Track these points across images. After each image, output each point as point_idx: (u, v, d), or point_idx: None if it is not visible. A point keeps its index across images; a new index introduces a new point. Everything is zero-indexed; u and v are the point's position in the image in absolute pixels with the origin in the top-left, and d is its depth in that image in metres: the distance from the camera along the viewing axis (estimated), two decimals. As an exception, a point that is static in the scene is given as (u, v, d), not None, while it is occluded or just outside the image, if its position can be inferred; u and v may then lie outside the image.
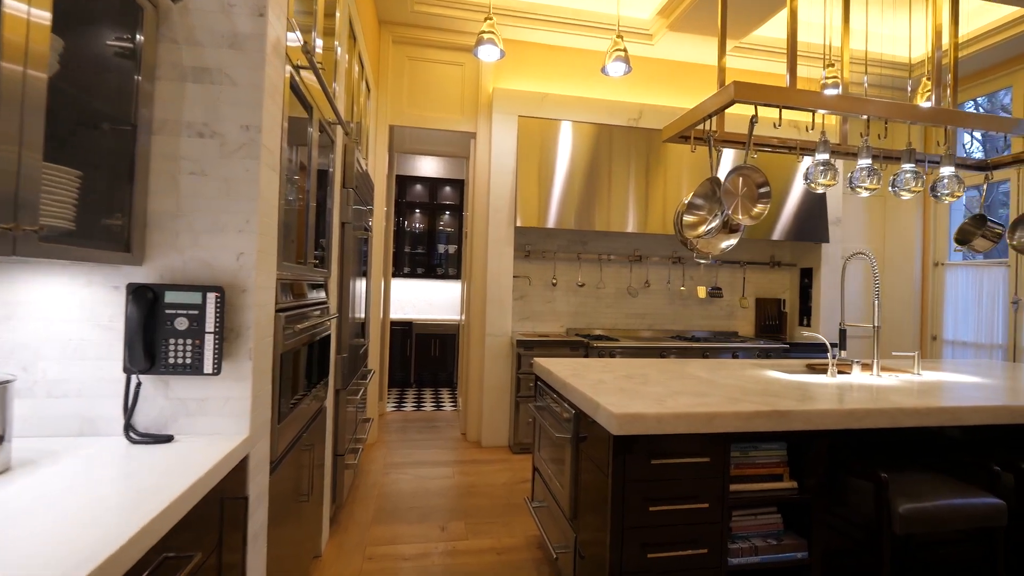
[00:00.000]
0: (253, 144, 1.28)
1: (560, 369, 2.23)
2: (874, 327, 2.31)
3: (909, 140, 2.38)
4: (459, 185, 6.54)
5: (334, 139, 2.28)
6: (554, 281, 4.26)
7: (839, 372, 2.40)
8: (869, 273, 5.05)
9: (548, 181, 3.97)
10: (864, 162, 2.29)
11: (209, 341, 1.17)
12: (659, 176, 4.14)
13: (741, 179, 2.08)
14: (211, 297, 1.18)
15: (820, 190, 2.21)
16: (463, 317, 4.62)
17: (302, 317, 1.76)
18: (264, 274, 1.35)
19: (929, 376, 2.33)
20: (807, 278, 4.64)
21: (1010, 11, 3.71)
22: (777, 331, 4.71)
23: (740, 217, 2.05)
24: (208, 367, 1.17)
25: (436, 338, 6.14)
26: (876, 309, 2.30)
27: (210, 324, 1.17)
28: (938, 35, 2.38)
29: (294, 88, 1.63)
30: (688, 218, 2.24)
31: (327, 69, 2.23)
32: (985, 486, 1.74)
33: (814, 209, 4.38)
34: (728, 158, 4.28)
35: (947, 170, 2.41)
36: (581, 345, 3.84)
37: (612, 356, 3.81)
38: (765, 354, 4.09)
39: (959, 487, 1.67)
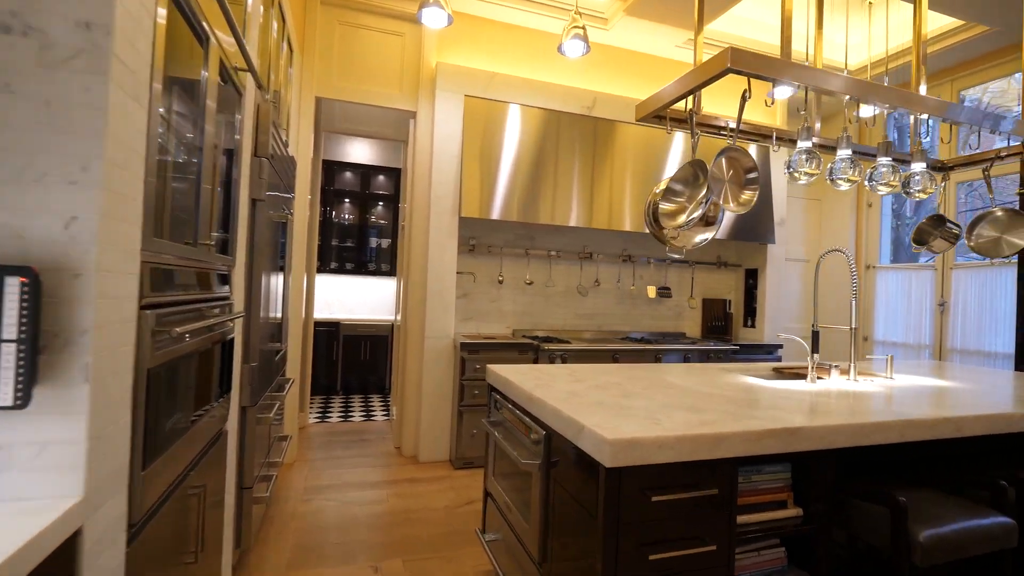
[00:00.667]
0: (97, 52, 0.84)
1: (521, 378, 1.90)
2: (851, 328, 2.17)
3: (885, 133, 2.27)
4: (394, 174, 6.05)
5: (243, 91, 1.81)
6: (500, 278, 3.93)
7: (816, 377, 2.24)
8: (810, 277, 5.13)
9: (494, 168, 3.63)
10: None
11: (5, 355, 0.73)
12: (607, 170, 3.91)
13: (726, 162, 1.84)
14: (9, 284, 0.73)
15: (803, 180, 2.03)
16: (398, 317, 4.17)
17: (190, 316, 1.31)
18: (116, 252, 0.91)
19: (907, 381, 2.23)
20: (752, 279, 4.62)
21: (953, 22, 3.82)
22: (723, 332, 4.65)
23: (730, 205, 1.81)
24: (3, 397, 0.73)
25: (367, 340, 5.62)
26: (853, 310, 2.16)
27: (7, 327, 0.73)
28: (918, 36, 2.28)
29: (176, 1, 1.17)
30: (666, 206, 1.98)
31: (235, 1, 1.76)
32: (991, 502, 1.59)
33: (760, 209, 4.34)
34: (679, 148, 4.14)
35: (919, 166, 2.33)
36: (530, 348, 3.53)
37: (563, 360, 3.53)
38: (716, 356, 3.98)
39: (970, 507, 1.50)
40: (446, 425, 3.60)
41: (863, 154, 2.38)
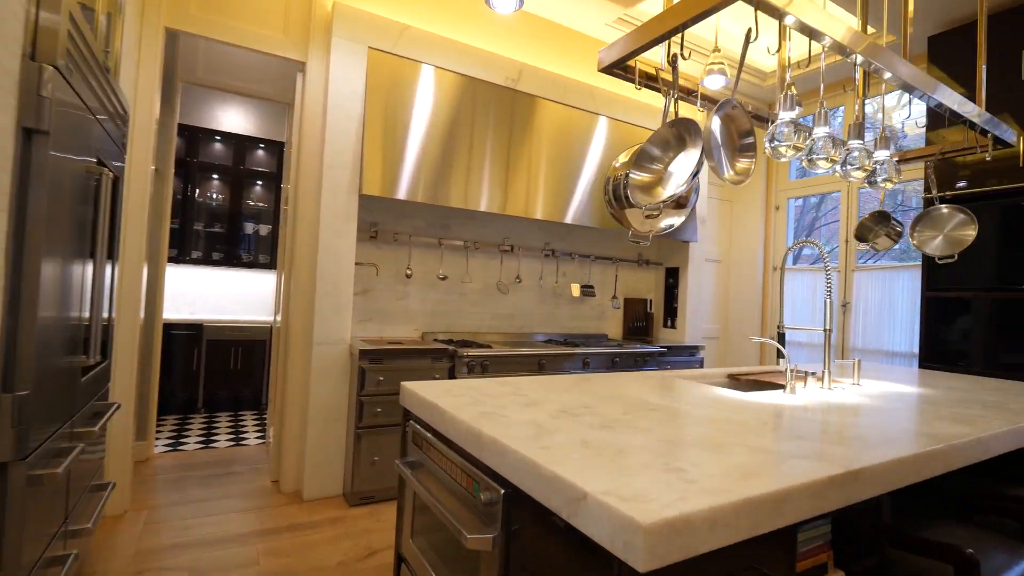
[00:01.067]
0: None
1: (454, 403, 1.36)
2: (826, 330, 1.91)
3: (858, 114, 2.05)
4: (277, 149, 5.14)
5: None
6: (409, 272, 3.32)
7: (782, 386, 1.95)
8: (721, 278, 5.11)
9: (402, 140, 3.03)
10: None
11: None
12: (525, 152, 3.47)
13: (720, 122, 1.45)
14: None
15: (787, 156, 1.71)
16: (279, 318, 3.39)
17: None
18: None
19: (880, 387, 2.02)
20: (672, 278, 4.46)
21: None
22: (644, 333, 4.44)
23: (726, 174, 1.42)
24: None
25: (238, 346, 4.67)
26: (829, 310, 1.91)
27: None
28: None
29: None
30: (638, 177, 1.56)
31: None
32: (1019, 533, 1.34)
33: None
34: (602, 135, 3.83)
35: (883, 154, 2.15)
36: (445, 354, 2.97)
37: (484, 368, 3.02)
38: (643, 359, 3.72)
39: (1014, 544, 1.23)
40: (339, 451, 2.91)
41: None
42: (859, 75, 2.10)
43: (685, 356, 3.99)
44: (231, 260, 4.90)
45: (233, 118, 5.11)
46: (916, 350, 3.94)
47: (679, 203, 1.75)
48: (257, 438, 3.91)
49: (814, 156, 1.84)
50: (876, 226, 2.60)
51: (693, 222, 4.20)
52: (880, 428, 1.28)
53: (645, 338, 4.39)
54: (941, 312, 3.61)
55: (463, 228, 3.60)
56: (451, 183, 3.12)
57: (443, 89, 3.18)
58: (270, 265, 5.06)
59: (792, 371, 1.82)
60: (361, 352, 2.75)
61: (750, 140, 1.48)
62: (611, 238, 4.33)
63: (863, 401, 1.68)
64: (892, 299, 4.11)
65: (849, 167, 1.97)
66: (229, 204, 4.91)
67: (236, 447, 3.68)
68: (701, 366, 4.10)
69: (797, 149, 1.70)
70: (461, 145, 3.19)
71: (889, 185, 2.11)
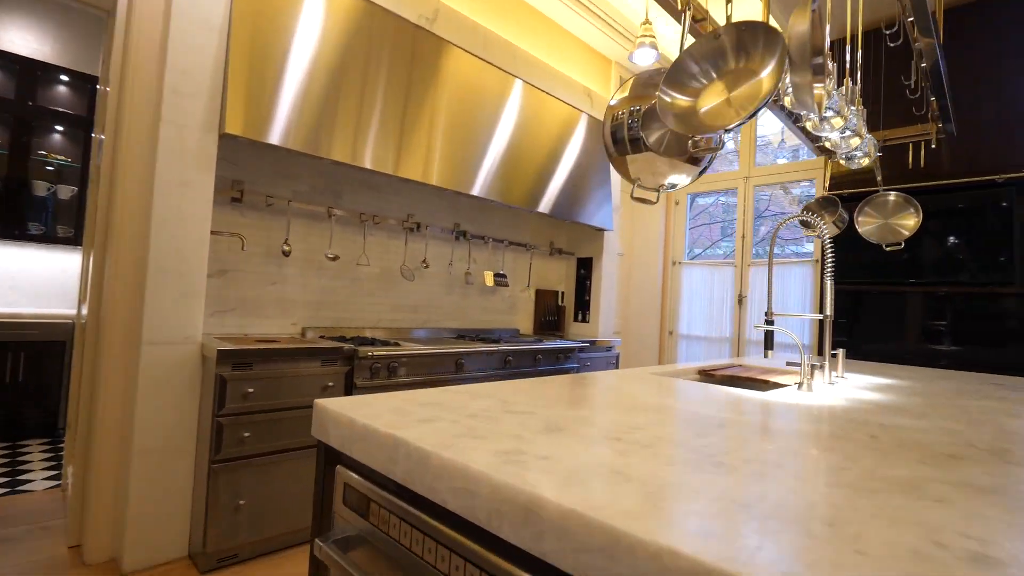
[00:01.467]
0: None
1: (426, 432, 0.78)
2: (826, 316, 1.66)
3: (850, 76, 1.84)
4: (87, 85, 3.85)
5: None
6: (287, 248, 2.54)
7: (783, 383, 1.67)
8: (623, 273, 4.98)
9: (278, 68, 2.26)
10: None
11: None
12: (427, 107, 2.89)
13: (804, 29, 1.07)
14: None
15: (807, 109, 1.40)
16: (85, 311, 2.37)
17: None
18: None
19: (875, 381, 1.83)
20: (584, 269, 4.18)
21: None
22: (555, 327, 4.10)
23: (810, 101, 1.04)
24: None
25: (20, 349, 3.37)
26: (828, 293, 1.66)
27: None
28: None
29: None
30: (679, 99, 1.11)
31: None
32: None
33: (600, 188, 3.91)
34: (515, 104, 3.39)
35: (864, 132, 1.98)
36: (339, 355, 2.28)
37: (392, 371, 2.39)
38: (564, 356, 3.34)
39: None
40: (182, 496, 2.06)
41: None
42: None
43: (602, 352, 3.71)
44: (12, 233, 3.54)
45: (18, 35, 3.72)
46: (807, 341, 4.13)
47: (692, 157, 1.35)
48: (48, 481, 2.78)
49: (829, 114, 1.56)
50: (822, 211, 2.50)
51: (608, 207, 3.95)
52: (956, 444, 0.98)
53: (556, 333, 4.05)
54: (838, 304, 3.77)
55: (358, 197, 2.90)
56: (336, 132, 2.41)
57: (335, 13, 2.46)
58: (73, 240, 3.78)
59: (809, 366, 1.52)
60: (221, 355, 1.95)
61: (820, 60, 1.12)
62: (526, 222, 3.91)
63: (890, 400, 1.42)
64: (784, 293, 4.28)
65: (847, 132, 1.75)
66: (10, 156, 3.54)
67: (11, 495, 2.55)
68: (617, 364, 3.87)
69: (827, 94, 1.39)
70: (351, 88, 2.49)
71: (866, 161, 1.95)
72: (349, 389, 2.28)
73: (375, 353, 2.30)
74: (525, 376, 3.07)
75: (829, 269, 1.67)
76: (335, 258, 2.68)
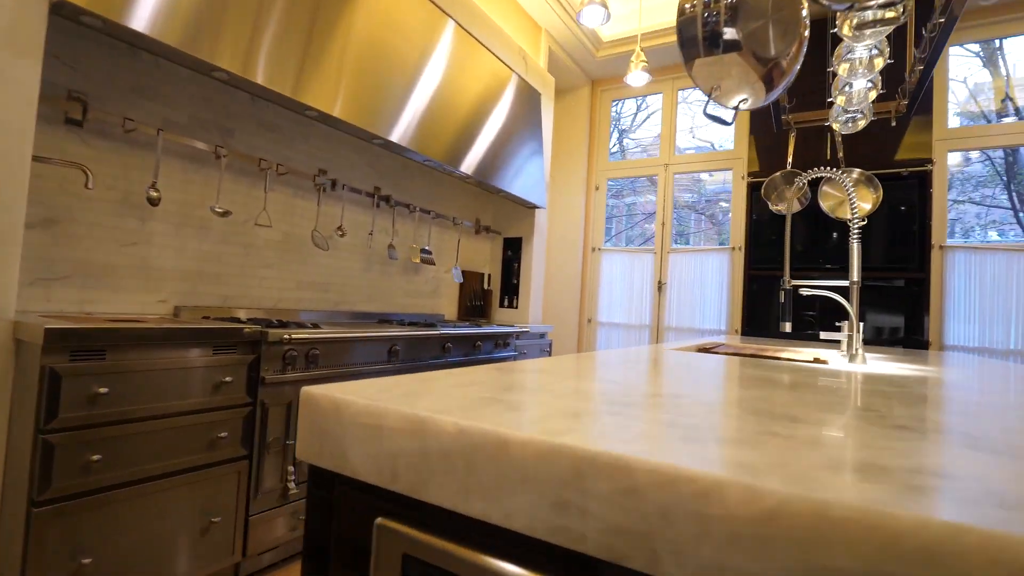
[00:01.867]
0: None
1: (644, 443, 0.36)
2: (853, 283, 1.49)
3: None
4: None
5: None
6: (154, 195, 1.84)
7: (820, 360, 1.47)
8: (545, 257, 4.73)
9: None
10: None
11: None
12: (343, 24, 2.35)
13: None
14: None
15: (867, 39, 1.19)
16: None
17: None
18: None
19: (881, 357, 1.70)
20: (512, 250, 3.83)
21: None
22: (481, 313, 3.70)
23: None
24: None
25: None
26: (856, 258, 1.49)
27: None
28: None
29: None
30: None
31: None
32: None
33: (530, 164, 3.59)
34: (445, 49, 2.94)
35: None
36: (237, 338, 1.66)
37: (312, 362, 1.83)
38: (503, 342, 2.97)
39: None
40: (-21, 555, 1.33)
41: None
42: None
43: (535, 340, 3.40)
44: None
45: None
46: (724, 327, 4.21)
47: (771, 75, 1.06)
48: None
49: (875, 52, 1.37)
50: (784, 186, 2.43)
51: (540, 183, 3.64)
52: None
53: (482, 319, 3.66)
54: (759, 288, 3.86)
55: (255, 140, 2.25)
56: (224, 34, 1.77)
57: None
58: None
59: (850, 336, 1.32)
60: (51, 337, 1.26)
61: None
62: (451, 193, 3.46)
63: (937, 375, 1.27)
64: (703, 280, 4.33)
65: (870, 84, 1.60)
66: None
67: None
68: (551, 352, 3.58)
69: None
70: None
71: (862, 123, 1.85)
72: (254, 386, 1.68)
73: (292, 337, 1.72)
74: (464, 364, 2.64)
75: (856, 233, 1.51)
76: (225, 214, 2.02)
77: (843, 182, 1.98)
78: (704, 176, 4.55)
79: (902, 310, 3.31)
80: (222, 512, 1.61)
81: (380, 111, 2.31)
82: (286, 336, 1.70)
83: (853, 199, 1.37)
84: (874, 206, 2.27)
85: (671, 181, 4.54)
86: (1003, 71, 3.43)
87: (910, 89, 2.19)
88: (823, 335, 1.47)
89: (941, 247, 3.40)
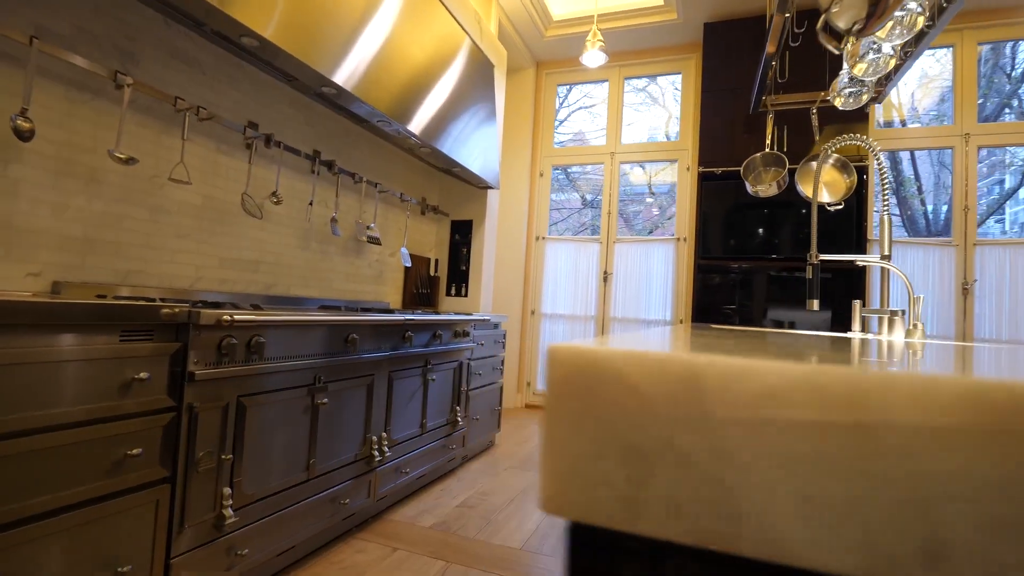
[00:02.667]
0: None
1: None
2: (884, 255, 1.40)
3: None
4: None
5: None
6: (24, 124, 1.33)
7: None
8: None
9: None
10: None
11: None
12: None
13: None
14: None
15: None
16: None
17: None
18: None
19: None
20: (461, 233, 3.53)
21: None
22: (428, 301, 3.36)
23: None
24: None
25: None
26: (887, 230, 1.41)
27: None
28: None
29: None
30: None
31: None
32: None
33: (481, 137, 3.31)
34: None
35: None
36: (154, 320, 1.23)
37: (255, 352, 1.43)
38: (463, 333, 2.67)
39: None
40: None
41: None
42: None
43: (490, 330, 3.13)
44: None
45: None
46: (669, 317, 4.21)
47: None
48: None
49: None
50: (764, 168, 2.37)
51: (494, 161, 3.37)
52: None
53: (429, 308, 3.32)
54: (708, 278, 3.88)
55: (168, 73, 1.77)
56: None
57: None
58: None
59: (891, 312, 1.21)
60: None
61: None
62: (397, 166, 3.08)
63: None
64: (649, 269, 4.30)
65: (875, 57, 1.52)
66: None
67: None
68: (504, 344, 3.33)
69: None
70: None
71: (864, 98, 1.80)
72: (177, 384, 1.26)
73: (235, 319, 1.32)
74: (424, 356, 2.31)
75: (883, 205, 1.42)
76: (128, 161, 1.54)
77: (822, 165, 1.91)
78: (648, 166, 4.53)
79: (842, 300, 3.46)
80: (133, 558, 1.18)
81: (324, 47, 1.92)
82: (226, 318, 1.29)
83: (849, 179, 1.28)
84: (848, 192, 2.29)
85: (617, 170, 4.47)
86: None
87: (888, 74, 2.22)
88: (861, 313, 1.36)
89: (868, 240, 3.61)
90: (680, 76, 4.32)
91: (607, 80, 4.55)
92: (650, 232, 4.45)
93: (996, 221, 3.68)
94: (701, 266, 3.75)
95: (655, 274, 4.27)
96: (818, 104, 2.39)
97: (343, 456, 1.79)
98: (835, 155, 2.28)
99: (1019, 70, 3.71)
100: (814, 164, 2.29)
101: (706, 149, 3.74)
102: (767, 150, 2.35)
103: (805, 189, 2.27)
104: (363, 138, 2.76)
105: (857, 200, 3.36)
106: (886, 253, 1.42)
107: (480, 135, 3.09)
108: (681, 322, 4.13)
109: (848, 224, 3.37)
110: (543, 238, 4.64)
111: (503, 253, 4.58)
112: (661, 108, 4.46)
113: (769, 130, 2.34)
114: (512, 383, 4.50)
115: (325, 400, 1.66)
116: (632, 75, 4.48)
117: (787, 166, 2.37)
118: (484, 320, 2.87)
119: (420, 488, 2.39)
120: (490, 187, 3.38)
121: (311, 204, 2.33)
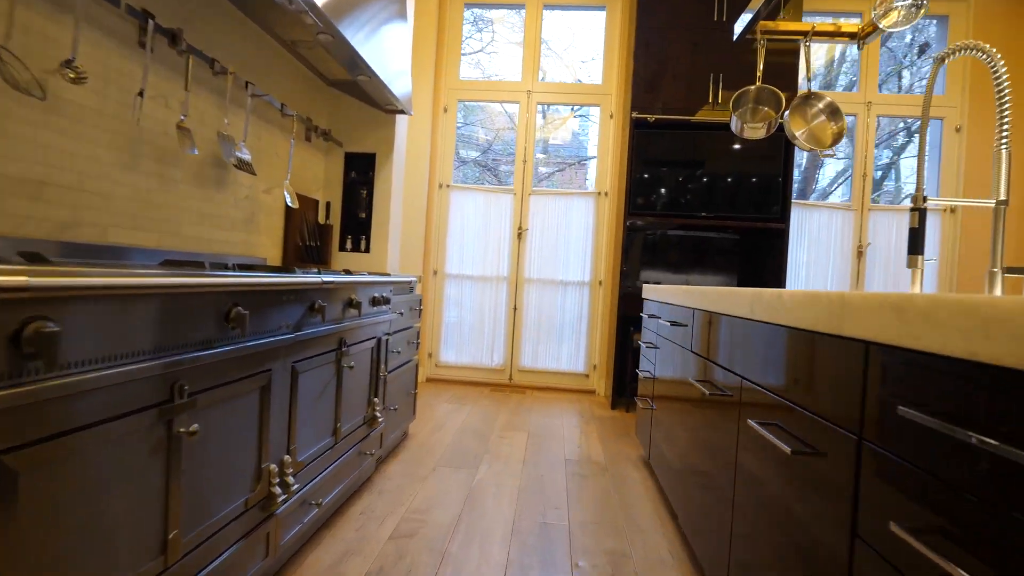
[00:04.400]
0: None
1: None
2: (999, 201, 1.10)
3: None
4: None
5: None
6: None
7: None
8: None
9: None
10: None
11: None
12: None
13: None
14: None
15: None
16: None
17: None
18: None
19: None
20: (359, 170, 2.75)
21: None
22: (318, 258, 2.57)
23: None
24: None
25: None
26: (1003, 168, 1.10)
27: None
28: None
29: None
30: None
31: None
32: None
33: (394, 42, 2.54)
34: None
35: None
36: None
37: (41, 350, 0.67)
38: (382, 299, 1.99)
39: None
40: None
41: None
42: None
43: (406, 295, 2.46)
44: None
45: None
46: (588, 278, 3.88)
47: None
48: None
49: None
50: (756, 105, 2.02)
51: (407, 78, 2.62)
52: None
53: (320, 267, 2.53)
54: (635, 238, 3.59)
55: None
56: None
57: None
58: None
59: None
60: None
61: None
62: (279, 71, 2.20)
63: None
64: (569, 224, 3.90)
65: None
66: None
67: None
68: (420, 310, 2.69)
69: None
70: None
71: (920, 14, 1.48)
72: None
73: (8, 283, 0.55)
74: (338, 336, 1.61)
75: (1004, 140, 1.11)
76: None
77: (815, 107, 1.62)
78: (568, 112, 4.08)
79: (765, 261, 3.41)
80: None
81: None
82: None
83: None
84: (835, 140, 2.06)
85: (534, 111, 3.94)
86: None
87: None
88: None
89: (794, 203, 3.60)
90: (604, 12, 3.87)
91: (523, 6, 3.94)
92: (564, 185, 4.04)
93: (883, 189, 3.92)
94: (629, 224, 3.44)
95: (575, 231, 3.90)
96: (810, 37, 2.10)
97: (225, 509, 1.09)
98: (825, 102, 2.02)
99: (908, 42, 3.91)
100: (814, 106, 2.00)
101: (639, 95, 3.38)
102: (759, 84, 2.02)
103: (797, 130, 1.98)
104: (230, 15, 1.85)
105: (785, 160, 3.28)
106: (1002, 196, 1.12)
107: (389, 36, 2.32)
108: (601, 284, 3.84)
109: (774, 184, 3.28)
110: (448, 186, 3.98)
111: (405, 202, 3.83)
112: (584, 47, 3.99)
113: (760, 60, 1.99)
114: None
115: (194, 427, 0.94)
116: (555, 2, 3.92)
117: (782, 107, 2.06)
118: (404, 283, 2.21)
119: (334, 514, 1.73)
120: (401, 111, 2.64)
121: (141, 96, 1.44)
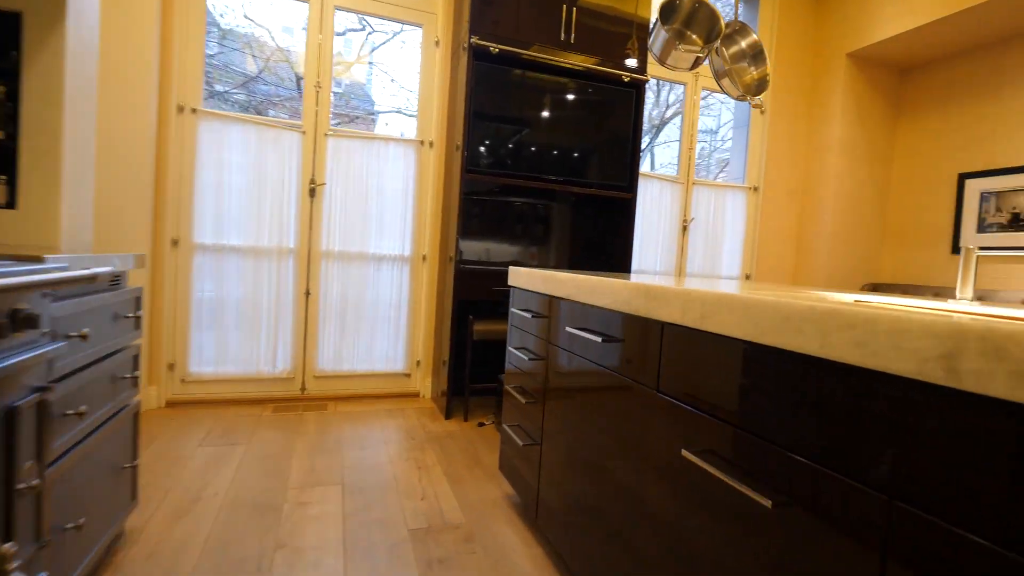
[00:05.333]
0: None
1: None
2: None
3: None
4: None
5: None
6: None
7: None
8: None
9: None
10: None
11: None
12: None
13: None
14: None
15: None
16: None
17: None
18: None
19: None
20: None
21: None
22: None
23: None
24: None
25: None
26: None
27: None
28: None
29: None
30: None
31: None
32: None
33: None
34: None
35: None
36: None
37: None
38: (22, 322, 0.87)
39: None
40: None
41: None
42: None
43: (106, 292, 1.29)
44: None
45: None
46: (408, 251, 3.03)
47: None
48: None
49: None
50: (686, 28, 1.44)
51: None
52: None
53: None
54: (472, 201, 2.87)
55: None
56: None
57: None
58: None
59: None
60: None
61: None
62: None
63: None
64: (381, 184, 2.96)
65: None
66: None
67: None
68: (138, 316, 1.53)
69: None
70: None
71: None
72: None
73: None
74: None
75: None
76: None
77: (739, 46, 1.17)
78: (378, 33, 3.07)
79: (612, 236, 3.05)
80: None
81: None
82: None
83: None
84: (758, 89, 1.63)
85: (330, 17, 2.83)
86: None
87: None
88: None
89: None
90: (425, -101, 2.94)
91: None
92: (378, 129, 3.08)
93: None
94: (470, 182, 2.70)
95: (389, 191, 2.98)
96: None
97: None
98: (754, 37, 1.55)
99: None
100: (738, 44, 1.50)
101: (477, 16, 2.60)
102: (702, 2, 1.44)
103: (718, 70, 1.49)
104: None
105: (635, 122, 2.92)
106: None
107: None
108: (426, 259, 3.04)
109: (624, 148, 2.91)
110: (196, 111, 2.63)
111: (107, 131, 2.38)
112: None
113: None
114: (142, 371, 2.51)
115: None
116: None
117: (720, 37, 1.50)
118: (96, 275, 1.08)
119: None
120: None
121: None
